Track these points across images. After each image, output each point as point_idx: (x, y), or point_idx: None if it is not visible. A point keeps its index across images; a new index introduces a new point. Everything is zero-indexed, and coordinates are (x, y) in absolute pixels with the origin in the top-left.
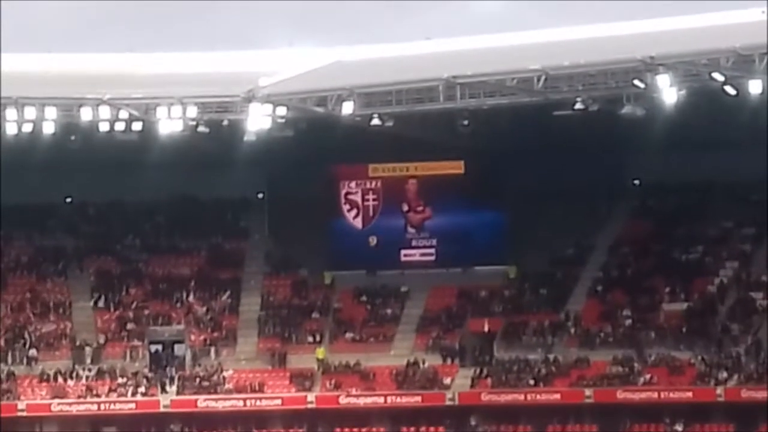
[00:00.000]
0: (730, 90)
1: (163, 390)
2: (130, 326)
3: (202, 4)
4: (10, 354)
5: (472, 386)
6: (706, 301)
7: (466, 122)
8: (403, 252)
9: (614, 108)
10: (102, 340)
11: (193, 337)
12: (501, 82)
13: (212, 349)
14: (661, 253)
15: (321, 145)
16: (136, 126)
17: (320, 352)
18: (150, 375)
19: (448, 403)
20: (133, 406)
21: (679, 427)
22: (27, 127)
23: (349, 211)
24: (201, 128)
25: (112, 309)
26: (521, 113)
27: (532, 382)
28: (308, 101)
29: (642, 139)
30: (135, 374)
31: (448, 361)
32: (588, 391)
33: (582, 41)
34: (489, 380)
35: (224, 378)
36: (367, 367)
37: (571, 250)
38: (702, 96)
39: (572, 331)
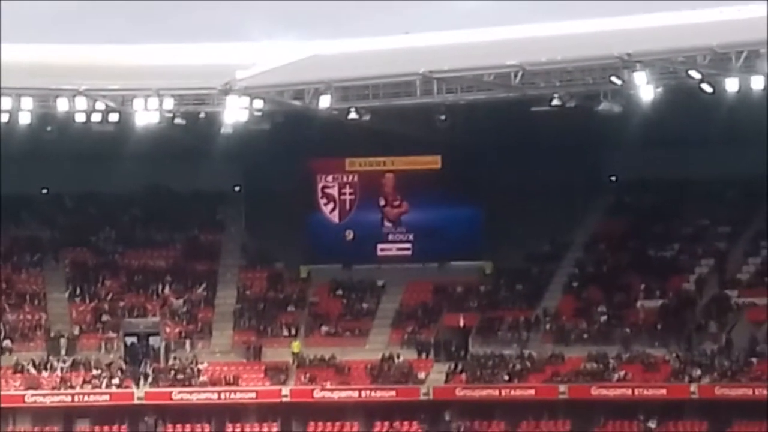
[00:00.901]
0: (706, 88)
1: (138, 382)
2: (105, 318)
3: None
4: None
5: (446, 381)
6: (681, 299)
7: (443, 117)
8: (379, 246)
9: (591, 105)
10: (77, 332)
11: (168, 330)
12: (478, 77)
13: (187, 342)
14: (637, 250)
15: (298, 138)
16: (113, 117)
17: (295, 345)
18: (125, 367)
19: (422, 397)
20: (107, 398)
21: (652, 424)
22: (3, 118)
23: (325, 204)
24: (178, 120)
25: (87, 301)
26: (498, 109)
27: (506, 377)
28: (285, 94)
29: (619, 136)
30: (109, 366)
31: (423, 355)
32: (562, 387)
33: (559, 37)
34: (464, 375)
35: (199, 371)
36: (342, 361)
37: (547, 247)
38: (679, 93)
39: (547, 327)
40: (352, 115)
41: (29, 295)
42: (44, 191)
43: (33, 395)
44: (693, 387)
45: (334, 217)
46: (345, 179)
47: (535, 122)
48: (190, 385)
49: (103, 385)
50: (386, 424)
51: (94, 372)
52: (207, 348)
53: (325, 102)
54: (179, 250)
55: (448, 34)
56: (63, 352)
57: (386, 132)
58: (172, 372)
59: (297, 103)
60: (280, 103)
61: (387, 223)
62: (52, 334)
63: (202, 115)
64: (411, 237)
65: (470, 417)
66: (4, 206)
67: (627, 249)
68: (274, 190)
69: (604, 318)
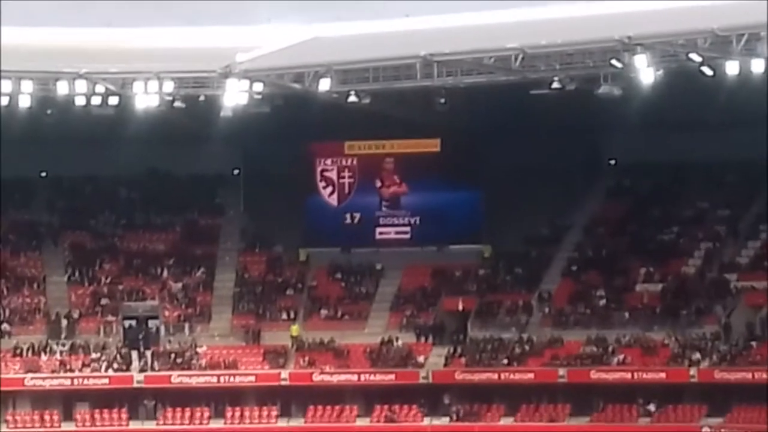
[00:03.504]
0: (707, 71)
1: (137, 365)
2: (104, 301)
3: None
4: None
5: (445, 365)
6: (680, 282)
7: (443, 100)
8: (378, 230)
9: (591, 88)
10: (76, 315)
11: (167, 313)
12: (478, 60)
13: (186, 325)
14: (636, 234)
15: (297, 121)
16: (113, 100)
17: (294, 329)
18: (124, 350)
19: (421, 381)
20: (106, 381)
21: (652, 408)
22: (3, 101)
23: (324, 188)
24: (177, 103)
25: (86, 284)
26: (498, 92)
27: (505, 361)
28: (285, 77)
29: (618, 119)
30: (109, 349)
31: (422, 339)
32: (561, 371)
33: (560, 20)
34: (463, 359)
35: (198, 354)
36: (341, 345)
37: (546, 230)
38: (679, 76)
39: (546, 310)
40: (352, 99)
41: (28, 279)
42: (43, 174)
43: (32, 378)
44: (692, 371)
45: (333, 201)
46: (344, 162)
47: (535, 105)
48: (189, 368)
49: (103, 368)
50: (385, 407)
51: (93, 355)
52: (206, 331)
53: (324, 85)
54: (178, 233)
55: (448, 17)
56: (62, 335)
57: (386, 115)
58: (171, 355)
59: (297, 86)
60: (279, 86)
61: (385, 206)
62: (51, 318)
63: (201, 98)
64: (410, 220)
65: (469, 401)
66: (3, 190)
67: (626, 232)
68: (274, 174)
69: (603, 301)
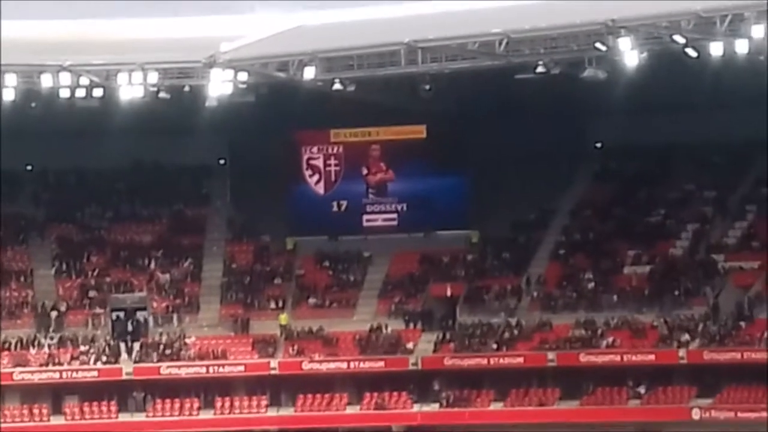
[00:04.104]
0: (691, 52)
1: (126, 357)
2: (92, 294)
3: None
4: None
5: (435, 351)
6: (667, 264)
7: (428, 87)
8: (365, 217)
9: (576, 71)
10: (64, 308)
11: (155, 304)
12: (462, 45)
13: (175, 316)
14: (623, 217)
15: (283, 110)
16: (97, 92)
17: (283, 318)
18: (112, 342)
19: (411, 367)
20: (95, 374)
21: (642, 390)
22: None
23: (311, 176)
24: (162, 94)
25: (73, 277)
26: (483, 77)
27: (494, 346)
28: (270, 66)
29: (604, 103)
30: (97, 342)
31: (411, 326)
32: (551, 355)
33: (543, 5)
34: (452, 345)
35: (187, 345)
36: (330, 333)
37: (533, 214)
38: (663, 59)
39: (535, 294)
40: (337, 86)
41: (15, 273)
42: (29, 168)
43: (21, 372)
44: (681, 352)
45: (320, 189)
46: (330, 150)
47: (520, 90)
48: (178, 359)
49: (91, 361)
50: (375, 394)
51: (82, 348)
52: (194, 322)
53: (309, 73)
54: (165, 224)
55: (431, 3)
56: (50, 328)
57: (371, 102)
58: (160, 346)
59: (281, 75)
60: (264, 75)
61: (372, 193)
62: (39, 311)
63: (186, 88)
64: (397, 207)
65: (459, 386)
66: None
67: (613, 215)
68: (260, 163)
69: (591, 285)
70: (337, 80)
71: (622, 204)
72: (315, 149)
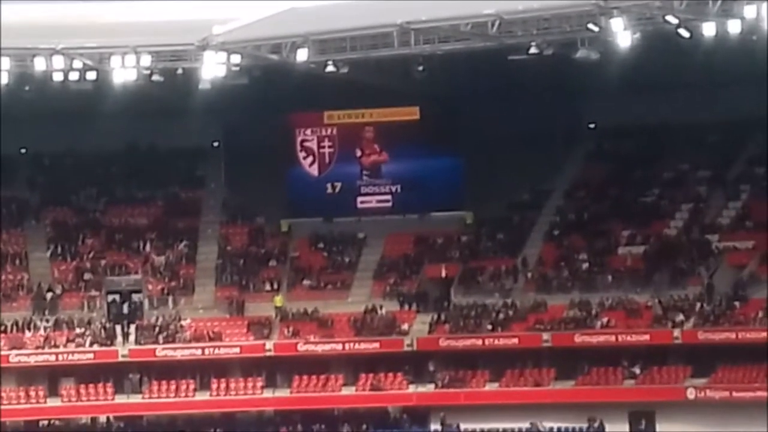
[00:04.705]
0: (683, 33)
1: (122, 340)
2: (87, 276)
3: None
4: None
5: (430, 332)
6: (662, 244)
7: (421, 68)
8: (359, 199)
9: (569, 52)
10: (59, 291)
11: (150, 287)
12: (455, 27)
13: (170, 299)
14: (618, 197)
15: (276, 92)
16: (91, 75)
17: (278, 299)
18: (108, 325)
19: (406, 349)
20: (91, 356)
21: (636, 370)
22: None
23: (305, 158)
24: (155, 77)
25: (69, 259)
26: (476, 58)
27: (489, 327)
28: (263, 49)
29: (597, 83)
30: (93, 324)
31: (406, 307)
32: (546, 335)
33: None
34: (447, 326)
35: (182, 327)
36: (325, 314)
37: (527, 195)
38: (656, 39)
39: (529, 275)
40: (330, 68)
41: (11, 256)
42: (23, 151)
43: (17, 355)
44: (676, 332)
45: (314, 171)
46: (324, 132)
47: (513, 71)
48: (173, 341)
49: (87, 343)
50: (371, 376)
51: (78, 331)
52: (190, 304)
53: (302, 55)
54: (160, 207)
55: None
56: (46, 311)
57: (364, 84)
58: (156, 329)
59: (274, 57)
60: (257, 57)
61: (366, 175)
62: (35, 294)
63: (179, 71)
64: (391, 189)
65: (454, 367)
66: None
67: (607, 195)
68: (254, 145)
69: (585, 265)
70: (330, 62)
71: (617, 184)
72: (309, 131)
